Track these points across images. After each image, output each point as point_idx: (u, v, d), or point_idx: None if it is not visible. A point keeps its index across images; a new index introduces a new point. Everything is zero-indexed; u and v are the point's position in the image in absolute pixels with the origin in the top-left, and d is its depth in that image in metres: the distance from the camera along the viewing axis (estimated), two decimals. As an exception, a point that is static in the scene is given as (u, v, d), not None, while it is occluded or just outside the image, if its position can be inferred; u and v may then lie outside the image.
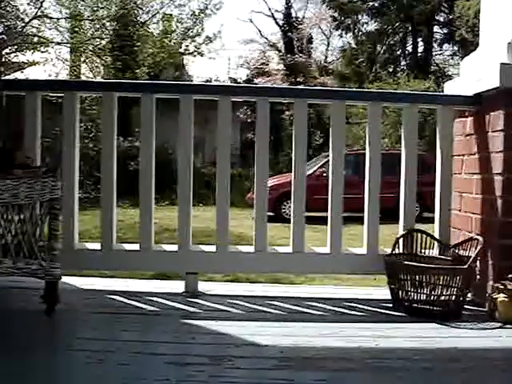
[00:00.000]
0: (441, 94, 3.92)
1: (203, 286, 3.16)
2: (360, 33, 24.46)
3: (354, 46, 24.58)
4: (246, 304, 2.94)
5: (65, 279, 2.78)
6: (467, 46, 18.94)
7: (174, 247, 3.15)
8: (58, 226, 2.63)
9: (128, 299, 2.94)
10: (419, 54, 24.12)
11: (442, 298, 2.78)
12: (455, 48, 23.63)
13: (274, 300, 3.03)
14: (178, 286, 3.16)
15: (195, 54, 22.10)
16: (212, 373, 2.08)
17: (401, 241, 3.10)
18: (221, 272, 3.45)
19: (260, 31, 27.23)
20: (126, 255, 3.17)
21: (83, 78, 19.47)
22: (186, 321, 2.65)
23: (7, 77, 12.91)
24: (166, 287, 3.24)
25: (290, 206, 3.30)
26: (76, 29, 19.43)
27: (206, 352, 2.31)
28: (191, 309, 2.84)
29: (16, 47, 17.25)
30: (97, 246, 3.14)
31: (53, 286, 2.60)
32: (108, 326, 2.63)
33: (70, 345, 2.32)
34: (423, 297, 2.79)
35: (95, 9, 19.57)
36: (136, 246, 3.14)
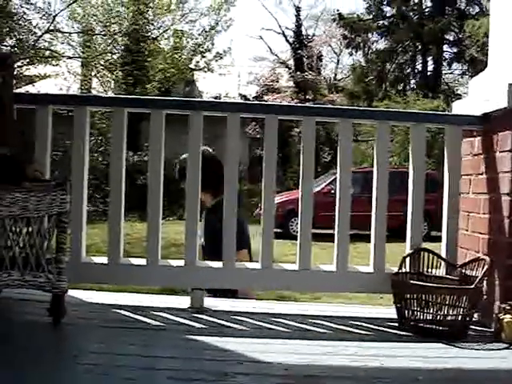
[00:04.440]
0: (449, 113, 3.93)
1: (209, 302, 3.16)
2: (370, 51, 24.59)
3: (363, 64, 24.69)
4: (251, 321, 2.94)
5: (71, 292, 2.79)
6: (477, 65, 19.00)
7: (181, 262, 3.15)
8: (66, 240, 2.65)
9: (134, 313, 2.94)
10: (429, 73, 24.18)
11: (449, 317, 2.77)
12: (465, 67, 23.69)
13: (278, 317, 3.02)
14: (183, 302, 3.16)
15: (205, 69, 22.26)
16: (216, 389, 2.07)
17: (408, 260, 3.10)
18: (227, 288, 3.44)
19: (270, 48, 27.47)
20: (132, 270, 3.17)
21: (94, 92, 19.63)
22: (190, 336, 2.65)
23: (18, 90, 13.02)
24: (172, 302, 3.24)
25: (297, 223, 3.30)
26: (88, 43, 19.64)
27: (209, 368, 2.31)
28: (196, 324, 2.84)
29: (28, 60, 17.43)
30: (104, 260, 3.15)
31: (59, 299, 2.61)
32: (113, 340, 2.62)
33: (75, 358, 2.32)
34: (429, 316, 2.78)
35: (107, 24, 19.78)
36: (143, 261, 3.15)
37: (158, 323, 2.83)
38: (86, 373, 2.16)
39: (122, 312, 2.96)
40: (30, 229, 2.53)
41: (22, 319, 2.79)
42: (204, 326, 2.83)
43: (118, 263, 3.13)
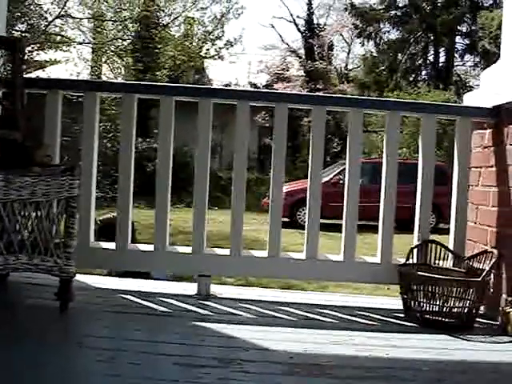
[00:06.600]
0: (460, 105, 3.91)
1: (215, 289, 3.17)
2: (381, 41, 24.42)
3: (375, 54, 24.53)
4: (257, 308, 2.95)
5: (79, 277, 2.81)
6: (489, 57, 18.84)
7: (188, 249, 3.16)
8: (74, 224, 2.65)
9: (140, 299, 2.96)
10: (440, 64, 24.01)
11: (455, 309, 2.77)
12: (477, 59, 23.50)
13: (285, 306, 3.03)
14: (190, 288, 3.17)
15: (216, 57, 22.18)
16: (220, 375, 2.08)
17: (415, 251, 3.09)
18: (233, 275, 3.46)
19: (281, 37, 27.27)
20: (140, 256, 3.19)
21: (104, 78, 19.61)
22: (196, 323, 2.67)
23: (29, 75, 13.02)
24: (179, 289, 3.25)
25: (305, 213, 3.30)
26: (98, 29, 19.59)
27: (215, 354, 2.32)
28: (202, 311, 2.85)
29: (38, 46, 17.42)
30: (112, 245, 3.17)
31: (67, 283, 2.62)
32: (120, 325, 2.65)
33: (81, 342, 2.34)
34: (435, 308, 2.78)
35: (118, 10, 19.73)
36: (150, 247, 3.16)
37: (164, 309, 2.85)
38: (91, 357, 2.18)
39: (129, 297, 2.98)
40: (39, 213, 2.54)
41: (30, 303, 2.81)
42: (210, 313, 2.84)
43: (125, 249, 3.14)
